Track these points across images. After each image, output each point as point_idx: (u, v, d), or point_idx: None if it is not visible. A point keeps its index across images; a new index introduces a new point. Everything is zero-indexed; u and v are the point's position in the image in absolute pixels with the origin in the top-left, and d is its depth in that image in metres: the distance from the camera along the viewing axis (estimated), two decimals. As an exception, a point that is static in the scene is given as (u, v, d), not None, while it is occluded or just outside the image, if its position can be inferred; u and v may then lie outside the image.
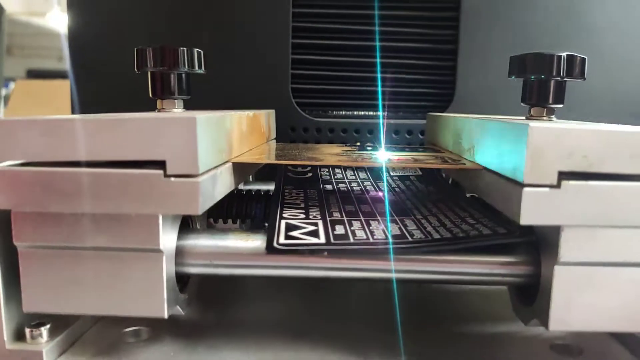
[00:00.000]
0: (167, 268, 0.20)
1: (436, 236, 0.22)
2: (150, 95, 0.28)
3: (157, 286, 0.20)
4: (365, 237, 0.22)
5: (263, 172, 0.37)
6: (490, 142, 0.23)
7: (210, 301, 0.28)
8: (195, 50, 0.28)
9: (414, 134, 0.41)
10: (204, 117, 0.19)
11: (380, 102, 0.40)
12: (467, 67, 0.40)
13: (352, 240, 0.21)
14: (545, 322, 0.20)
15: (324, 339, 0.24)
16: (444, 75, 0.41)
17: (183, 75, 0.28)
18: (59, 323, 0.23)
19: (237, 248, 0.22)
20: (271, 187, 0.33)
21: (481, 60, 0.40)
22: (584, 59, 0.26)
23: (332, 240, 0.21)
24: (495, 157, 0.22)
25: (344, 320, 0.27)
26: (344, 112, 0.42)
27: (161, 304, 0.20)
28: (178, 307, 0.22)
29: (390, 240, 0.21)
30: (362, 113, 0.42)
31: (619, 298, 0.20)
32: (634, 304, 0.20)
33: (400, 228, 0.23)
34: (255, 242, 0.22)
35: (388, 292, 0.31)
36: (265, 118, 0.35)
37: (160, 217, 0.20)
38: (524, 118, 0.28)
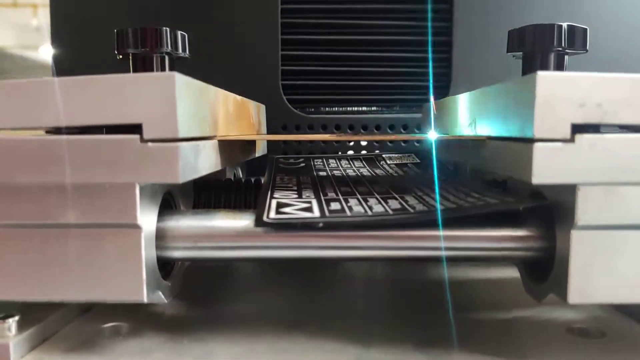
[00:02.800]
0: (147, 248, 0.18)
1: (441, 208, 0.20)
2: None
3: (136, 266, 0.18)
4: (363, 211, 0.20)
5: (254, 166, 0.36)
6: (493, 106, 0.21)
7: (197, 297, 0.26)
8: (179, 32, 0.27)
9: (409, 128, 0.39)
10: (184, 78, 0.18)
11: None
12: (462, 59, 0.39)
13: (348, 214, 0.20)
14: (563, 295, 0.18)
15: (320, 328, 0.22)
16: (439, 68, 0.40)
17: (166, 58, 0.27)
18: (29, 317, 0.21)
19: (224, 228, 0.20)
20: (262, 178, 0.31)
21: (477, 52, 0.39)
22: (585, 29, 0.25)
23: (327, 214, 0.20)
24: (500, 121, 0.21)
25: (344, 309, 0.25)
26: (336, 108, 0.40)
27: (140, 287, 0.18)
28: (160, 294, 0.20)
29: (391, 212, 0.20)
30: (356, 109, 0.40)
31: (644, 265, 0.18)
32: (660, 272, 0.18)
33: (400, 202, 0.21)
34: (244, 221, 0.20)
35: (394, 280, 0.29)
36: (255, 110, 0.33)
37: (138, 188, 0.18)
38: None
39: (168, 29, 0.26)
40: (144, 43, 0.26)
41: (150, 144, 0.17)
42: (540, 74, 0.17)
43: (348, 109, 0.40)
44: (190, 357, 0.20)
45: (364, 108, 0.40)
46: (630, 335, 0.21)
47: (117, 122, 0.17)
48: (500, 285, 0.28)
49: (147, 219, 0.19)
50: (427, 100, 0.39)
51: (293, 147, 0.39)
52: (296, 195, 0.23)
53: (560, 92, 0.17)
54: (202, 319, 0.23)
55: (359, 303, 0.26)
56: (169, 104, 0.17)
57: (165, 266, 0.21)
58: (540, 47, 0.25)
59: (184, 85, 0.18)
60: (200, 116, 0.20)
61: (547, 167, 0.17)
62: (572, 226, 0.18)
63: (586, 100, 0.17)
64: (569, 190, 0.18)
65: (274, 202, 0.21)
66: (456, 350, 0.20)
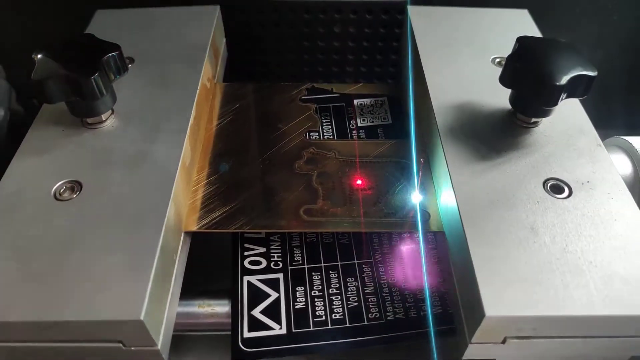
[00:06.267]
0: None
1: (390, 316, 0.23)
2: (71, 114, 0.24)
3: None
4: (323, 316, 0.23)
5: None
6: (456, 246, 0.22)
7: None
8: (111, 58, 0.22)
9: (374, 12, 0.34)
10: (148, 304, 0.18)
11: None
12: None
13: (311, 326, 0.23)
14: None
15: None
16: None
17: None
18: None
19: (202, 315, 0.24)
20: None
21: None
22: (593, 77, 0.22)
23: (292, 329, 0.23)
24: (457, 265, 0.22)
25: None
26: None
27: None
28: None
29: (347, 324, 0.23)
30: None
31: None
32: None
33: (357, 292, 0.24)
34: (223, 308, 0.24)
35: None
36: (211, 61, 0.29)
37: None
38: (508, 114, 0.25)
39: (95, 77, 0.21)
40: (72, 93, 0.22)
41: (133, 348, 0.20)
42: (489, 316, 0.18)
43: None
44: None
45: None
46: None
47: (102, 339, 0.19)
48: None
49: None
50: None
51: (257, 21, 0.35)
52: (265, 263, 0.25)
53: (504, 324, 0.19)
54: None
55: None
56: (143, 333, 0.19)
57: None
58: (539, 98, 0.22)
59: (152, 310, 0.19)
60: (167, 272, 0.21)
61: (476, 354, 0.20)
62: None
63: (524, 327, 0.19)
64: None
65: (245, 287, 0.24)
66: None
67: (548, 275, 0.19)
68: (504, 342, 0.20)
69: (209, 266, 0.26)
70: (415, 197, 0.25)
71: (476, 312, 0.19)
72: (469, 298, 0.20)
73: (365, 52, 0.37)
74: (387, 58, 0.37)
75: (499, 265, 0.19)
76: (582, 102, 0.26)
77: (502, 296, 0.19)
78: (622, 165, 0.27)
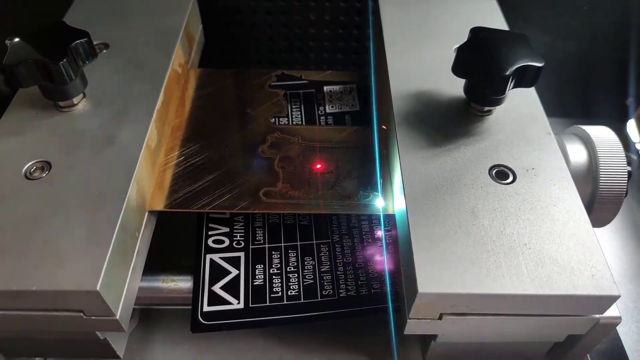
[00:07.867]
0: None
1: (342, 293, 0.25)
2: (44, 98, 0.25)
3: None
4: (279, 292, 0.25)
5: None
6: (401, 223, 0.23)
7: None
8: (80, 44, 0.23)
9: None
10: (105, 278, 0.20)
11: None
12: None
13: (267, 301, 0.24)
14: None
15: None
16: None
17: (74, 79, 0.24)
18: None
19: (166, 289, 0.26)
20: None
21: None
22: (539, 68, 0.23)
23: (250, 304, 0.24)
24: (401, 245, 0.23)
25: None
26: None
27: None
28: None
29: (302, 300, 0.24)
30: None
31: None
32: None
33: (313, 270, 0.25)
34: (186, 283, 0.25)
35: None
36: (183, 47, 0.30)
37: (99, 334, 0.22)
38: (463, 102, 0.26)
39: (64, 63, 0.23)
40: (42, 78, 0.23)
41: (93, 317, 0.21)
42: (421, 292, 0.19)
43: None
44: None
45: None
46: None
47: (63, 308, 0.20)
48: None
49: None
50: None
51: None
52: (227, 242, 0.26)
53: (436, 300, 0.20)
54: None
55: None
56: (100, 305, 0.20)
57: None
58: (489, 85, 0.23)
59: (109, 283, 0.20)
60: (128, 247, 0.22)
61: (416, 329, 0.22)
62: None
63: (457, 303, 0.20)
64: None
65: (207, 264, 0.25)
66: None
67: (482, 256, 0.20)
68: (440, 318, 0.21)
69: (175, 244, 0.27)
70: (371, 182, 0.26)
71: (412, 288, 0.20)
72: (408, 276, 0.21)
73: (341, 39, 0.37)
74: (363, 45, 0.38)
75: (436, 246, 0.20)
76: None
77: (435, 274, 0.20)
78: (578, 153, 0.28)
